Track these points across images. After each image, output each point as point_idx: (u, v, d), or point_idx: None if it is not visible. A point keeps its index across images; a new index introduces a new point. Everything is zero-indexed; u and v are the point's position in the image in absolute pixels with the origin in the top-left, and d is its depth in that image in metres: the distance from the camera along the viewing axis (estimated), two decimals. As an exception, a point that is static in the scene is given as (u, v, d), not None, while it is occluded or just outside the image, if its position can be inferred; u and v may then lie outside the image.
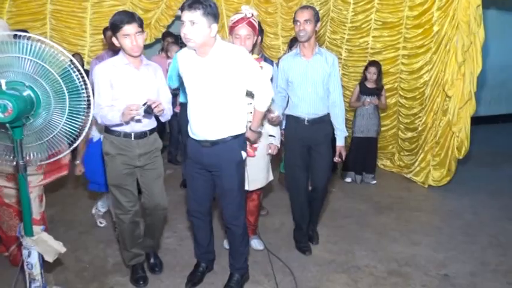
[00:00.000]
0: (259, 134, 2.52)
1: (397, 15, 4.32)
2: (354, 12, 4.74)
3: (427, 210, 3.61)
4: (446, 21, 3.68)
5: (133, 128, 2.30)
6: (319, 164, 2.78)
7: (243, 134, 2.24)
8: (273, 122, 2.63)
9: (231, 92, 2.15)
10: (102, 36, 5.25)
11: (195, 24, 1.98)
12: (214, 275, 2.51)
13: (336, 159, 2.79)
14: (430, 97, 4.06)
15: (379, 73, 4.17)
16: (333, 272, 2.58)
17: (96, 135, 2.77)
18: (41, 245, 2.02)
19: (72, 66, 2.09)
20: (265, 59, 2.89)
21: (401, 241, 2.99)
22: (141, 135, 2.33)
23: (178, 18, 5.59)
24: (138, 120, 2.26)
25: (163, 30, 5.59)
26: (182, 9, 2.01)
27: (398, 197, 3.90)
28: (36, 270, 2.05)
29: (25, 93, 1.80)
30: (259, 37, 2.87)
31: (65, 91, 2.00)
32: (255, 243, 2.89)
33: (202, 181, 2.31)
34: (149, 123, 2.36)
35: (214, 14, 2.00)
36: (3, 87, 1.69)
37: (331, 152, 2.82)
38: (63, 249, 2.08)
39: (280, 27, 5.85)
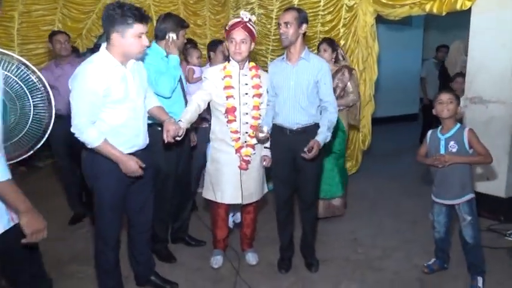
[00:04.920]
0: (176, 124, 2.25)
1: (312, 29, 4.99)
2: (276, 27, 5.33)
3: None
4: (350, 37, 4.43)
5: None
6: (305, 179, 2.58)
7: None
8: (261, 141, 2.60)
9: (145, 96, 2.25)
10: (31, 46, 5.30)
11: (144, 35, 2.01)
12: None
13: (305, 150, 2.33)
14: (340, 99, 4.81)
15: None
16: (268, 244, 3.07)
17: None
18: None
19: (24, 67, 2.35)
20: None
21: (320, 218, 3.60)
22: None
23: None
24: None
25: (95, 40, 5.73)
26: (140, 21, 1.97)
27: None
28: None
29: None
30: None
31: (26, 90, 2.26)
32: (249, 257, 2.83)
33: (123, 199, 2.21)
34: None
35: None
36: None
37: (321, 166, 2.70)
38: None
39: (210, 38, 6.30)
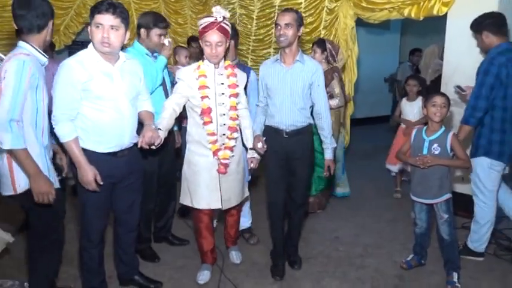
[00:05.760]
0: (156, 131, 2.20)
1: (292, 31, 5.07)
2: (257, 27, 5.39)
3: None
4: (330, 38, 4.49)
5: None
6: (297, 179, 2.60)
7: None
8: (258, 151, 2.53)
9: (136, 99, 2.22)
10: (6, 41, 5.15)
11: (115, 29, 1.97)
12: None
13: (325, 173, 2.64)
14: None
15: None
16: (253, 244, 3.13)
17: None
18: (-11, 236, 2.19)
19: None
20: (239, 65, 2.74)
21: (303, 217, 3.65)
22: None
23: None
24: None
25: (73, 37, 5.62)
26: (99, 12, 1.95)
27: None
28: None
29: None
30: (233, 41, 2.75)
31: None
32: (233, 256, 2.82)
33: (108, 198, 2.21)
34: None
35: (129, 22, 2.06)
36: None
37: (312, 167, 2.72)
38: (11, 239, 2.25)
39: (190, 37, 6.30)
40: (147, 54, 2.72)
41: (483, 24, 2.76)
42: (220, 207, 2.51)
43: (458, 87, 3.12)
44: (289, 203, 2.72)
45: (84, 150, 2.03)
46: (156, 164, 2.79)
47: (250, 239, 3.18)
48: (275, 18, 5.00)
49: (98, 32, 1.95)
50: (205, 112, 2.38)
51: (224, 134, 2.44)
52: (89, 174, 2.01)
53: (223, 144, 2.45)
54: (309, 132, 2.59)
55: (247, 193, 2.75)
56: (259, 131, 2.62)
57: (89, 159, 2.02)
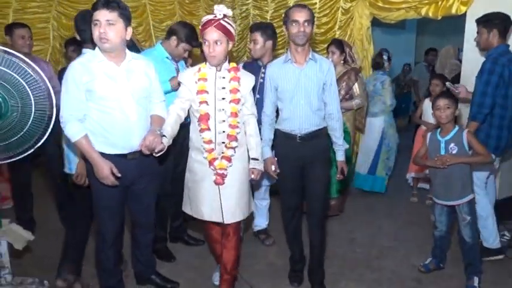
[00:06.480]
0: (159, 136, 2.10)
1: (307, 31, 5.06)
2: (270, 27, 5.39)
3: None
4: (346, 39, 4.47)
5: None
6: (314, 186, 2.42)
7: None
8: (271, 176, 2.45)
9: (147, 100, 2.17)
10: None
11: (112, 25, 1.92)
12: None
13: (338, 176, 2.51)
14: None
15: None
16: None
17: None
18: (11, 235, 2.22)
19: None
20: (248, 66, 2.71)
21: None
22: None
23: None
24: None
25: (90, 38, 5.69)
26: (95, 9, 1.93)
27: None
28: (6, 258, 2.23)
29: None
30: (271, 41, 2.86)
31: (26, 86, 2.20)
32: None
33: (121, 199, 2.20)
34: None
35: (129, 18, 2.00)
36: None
37: (329, 171, 2.58)
38: (31, 237, 2.29)
39: (205, 38, 6.32)
40: (167, 58, 2.77)
41: (494, 22, 2.78)
42: (222, 220, 2.30)
43: (451, 84, 3.08)
44: (309, 210, 2.51)
45: None
46: (171, 163, 2.81)
47: (266, 240, 3.16)
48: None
49: (96, 29, 1.93)
50: (203, 118, 2.23)
51: (223, 142, 2.26)
52: (104, 168, 2.00)
53: (222, 153, 2.27)
54: (323, 135, 2.45)
55: (253, 208, 2.56)
56: (269, 151, 2.46)
57: (105, 159, 2.03)
